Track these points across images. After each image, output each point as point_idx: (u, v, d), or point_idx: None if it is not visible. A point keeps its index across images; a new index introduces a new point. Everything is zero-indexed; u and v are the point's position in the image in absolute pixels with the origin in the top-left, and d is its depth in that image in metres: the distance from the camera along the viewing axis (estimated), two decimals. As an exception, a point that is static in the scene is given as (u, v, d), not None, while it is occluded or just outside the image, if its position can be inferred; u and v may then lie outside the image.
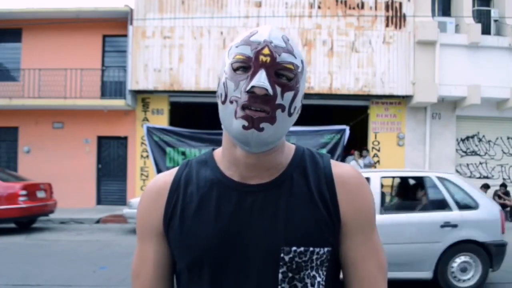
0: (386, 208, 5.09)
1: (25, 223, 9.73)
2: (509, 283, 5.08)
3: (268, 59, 0.79)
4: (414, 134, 12.64)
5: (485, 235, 4.72)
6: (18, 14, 13.07)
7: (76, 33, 13.04)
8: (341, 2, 12.45)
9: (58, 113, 12.91)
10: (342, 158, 10.43)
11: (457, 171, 12.84)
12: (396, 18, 12.43)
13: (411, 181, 5.99)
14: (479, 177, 12.77)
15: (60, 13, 12.91)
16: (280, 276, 0.83)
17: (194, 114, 13.63)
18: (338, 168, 0.91)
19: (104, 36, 13.37)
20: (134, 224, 6.33)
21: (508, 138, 13.07)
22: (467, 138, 13.00)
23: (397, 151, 12.58)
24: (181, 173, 0.93)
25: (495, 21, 12.84)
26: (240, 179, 0.88)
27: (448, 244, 4.68)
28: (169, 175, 0.94)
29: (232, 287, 0.84)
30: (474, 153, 13.03)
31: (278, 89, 0.80)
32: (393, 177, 6.20)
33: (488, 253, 4.70)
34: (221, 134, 0.92)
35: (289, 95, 0.82)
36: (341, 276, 0.93)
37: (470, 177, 12.87)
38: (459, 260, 4.72)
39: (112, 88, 13.04)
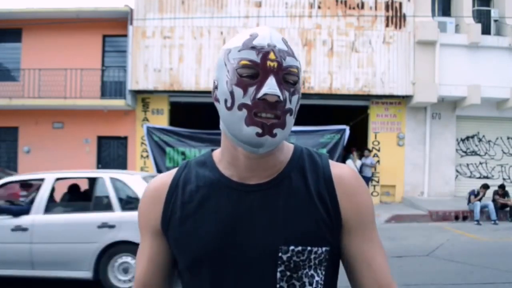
0: (49, 208, 4.96)
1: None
2: (509, 283, 5.07)
3: (276, 64, 0.80)
4: (414, 134, 12.64)
5: None
6: (18, 14, 13.06)
7: (76, 33, 13.03)
8: (341, 2, 12.45)
9: (58, 113, 12.90)
10: (343, 158, 10.44)
11: (457, 171, 12.86)
12: (396, 18, 12.44)
13: (88, 182, 5.83)
14: (479, 177, 12.78)
15: (60, 13, 12.90)
16: (278, 275, 0.84)
17: (194, 114, 13.64)
18: (336, 168, 0.92)
19: (104, 36, 13.35)
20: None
21: (508, 138, 13.07)
22: (467, 138, 13.00)
23: (397, 151, 12.59)
24: (180, 174, 0.94)
25: (495, 21, 12.84)
26: (239, 179, 0.89)
27: (105, 244, 4.67)
28: (168, 176, 0.95)
29: (232, 286, 0.85)
30: (474, 153, 13.03)
31: (286, 94, 0.81)
32: (68, 178, 5.96)
33: None
34: (220, 134, 0.92)
35: (295, 98, 0.84)
36: (340, 276, 0.94)
37: (470, 177, 12.89)
38: (120, 260, 4.75)
39: (112, 88, 13.03)
